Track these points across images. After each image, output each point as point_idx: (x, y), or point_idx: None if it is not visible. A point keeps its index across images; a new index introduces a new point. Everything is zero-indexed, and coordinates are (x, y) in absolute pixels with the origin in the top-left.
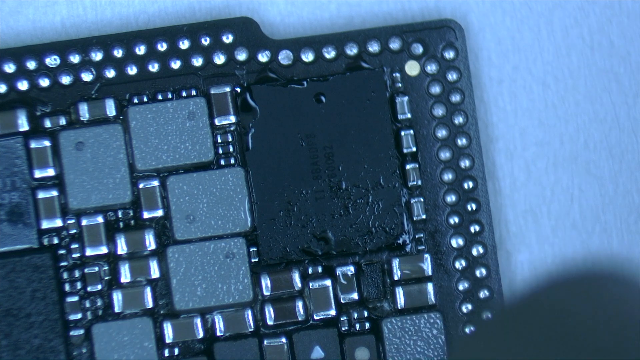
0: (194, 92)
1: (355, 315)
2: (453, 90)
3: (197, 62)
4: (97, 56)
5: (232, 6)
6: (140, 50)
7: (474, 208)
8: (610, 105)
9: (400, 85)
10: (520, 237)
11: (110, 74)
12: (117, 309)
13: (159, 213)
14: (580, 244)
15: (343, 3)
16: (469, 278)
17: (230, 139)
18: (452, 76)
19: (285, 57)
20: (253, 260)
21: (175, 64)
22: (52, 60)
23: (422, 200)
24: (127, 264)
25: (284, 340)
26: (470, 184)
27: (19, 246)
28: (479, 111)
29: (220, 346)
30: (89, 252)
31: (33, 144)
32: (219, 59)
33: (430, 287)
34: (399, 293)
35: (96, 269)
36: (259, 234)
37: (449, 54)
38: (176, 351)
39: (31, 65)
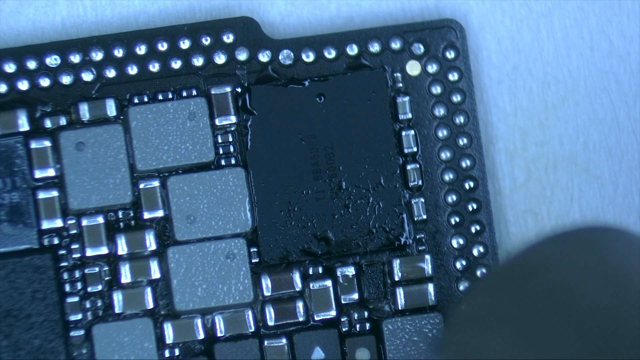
0: (194, 92)
1: (356, 316)
2: (454, 90)
3: (198, 62)
4: (98, 56)
5: (232, 6)
6: (141, 50)
7: (475, 208)
8: (609, 106)
9: (401, 85)
10: (520, 237)
11: (111, 73)
12: (117, 310)
13: (160, 213)
14: None
15: (343, 3)
16: (469, 278)
17: (230, 139)
18: (453, 76)
19: (286, 57)
20: (253, 261)
21: (176, 64)
22: (52, 60)
23: (422, 200)
24: (127, 265)
25: (284, 341)
26: (471, 184)
27: (19, 247)
28: (479, 111)
29: (221, 347)
30: (89, 252)
31: (33, 144)
32: (220, 59)
33: (430, 287)
34: (400, 293)
35: (96, 269)
36: (259, 234)
37: (450, 54)
38: (176, 352)
39: (31, 65)
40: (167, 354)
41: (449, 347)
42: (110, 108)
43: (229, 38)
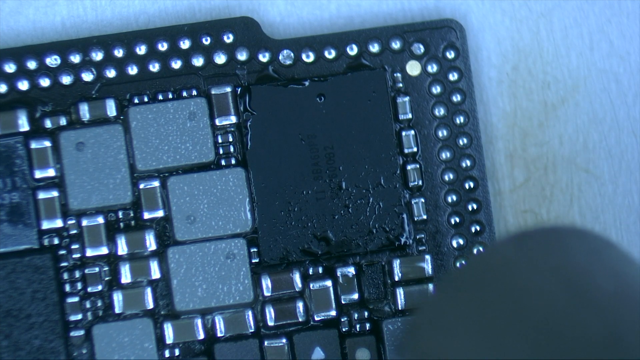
0: (194, 92)
1: (356, 316)
2: (454, 90)
3: (198, 62)
4: (98, 56)
5: (232, 6)
6: (141, 50)
7: (475, 208)
8: (609, 106)
9: (401, 85)
10: None
11: (111, 73)
12: (117, 310)
13: (160, 214)
14: None
15: (343, 3)
16: None
17: (230, 139)
18: (453, 76)
19: (286, 57)
20: (253, 261)
21: (176, 64)
22: (52, 60)
23: (422, 200)
24: (127, 265)
25: (284, 341)
26: (471, 184)
27: (19, 247)
28: (479, 111)
29: (221, 347)
30: (89, 252)
31: (33, 144)
32: (220, 59)
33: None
34: (400, 294)
35: (96, 269)
36: (259, 234)
37: (450, 54)
38: (177, 352)
39: (31, 65)
40: (167, 354)
41: (410, 349)
42: (110, 108)
43: (229, 38)
